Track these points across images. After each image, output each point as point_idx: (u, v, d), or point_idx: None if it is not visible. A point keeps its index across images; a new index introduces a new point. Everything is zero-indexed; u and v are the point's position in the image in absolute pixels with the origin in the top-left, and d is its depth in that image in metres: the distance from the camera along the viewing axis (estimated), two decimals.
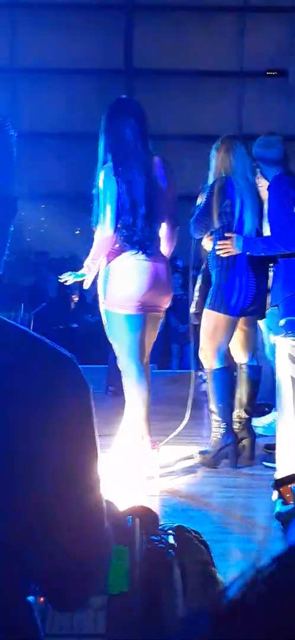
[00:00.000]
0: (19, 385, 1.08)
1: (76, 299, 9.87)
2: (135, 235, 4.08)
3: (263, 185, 4.59)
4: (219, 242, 4.47)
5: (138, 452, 4.17)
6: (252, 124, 10.59)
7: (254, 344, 4.78)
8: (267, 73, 12.07)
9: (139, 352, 4.18)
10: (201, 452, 4.57)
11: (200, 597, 1.51)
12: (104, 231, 4.08)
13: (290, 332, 4.02)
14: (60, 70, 11.90)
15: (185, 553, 1.58)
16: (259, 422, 5.18)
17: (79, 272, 4.28)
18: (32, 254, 11.18)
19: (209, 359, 4.52)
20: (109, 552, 1.31)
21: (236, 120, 11.72)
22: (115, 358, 4.39)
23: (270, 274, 4.68)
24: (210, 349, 4.50)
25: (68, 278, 4.36)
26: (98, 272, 4.22)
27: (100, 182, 4.08)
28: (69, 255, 10.16)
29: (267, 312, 4.73)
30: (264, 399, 5.45)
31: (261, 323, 5.04)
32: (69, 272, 4.39)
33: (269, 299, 4.69)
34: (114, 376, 5.88)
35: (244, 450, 4.60)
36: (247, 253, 4.42)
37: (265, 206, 4.58)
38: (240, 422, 4.59)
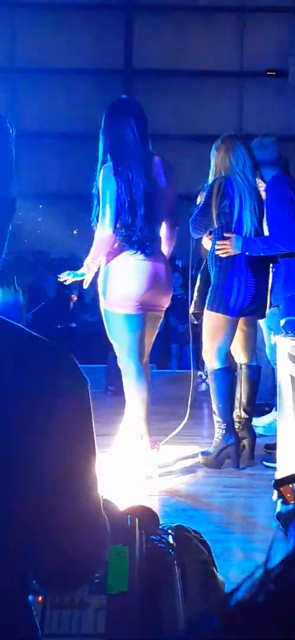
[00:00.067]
0: (19, 385, 1.08)
1: (75, 298, 9.86)
2: (134, 235, 4.08)
3: (262, 185, 4.59)
4: (218, 243, 4.45)
5: (137, 452, 4.16)
6: (252, 124, 10.61)
7: (254, 344, 4.78)
8: (267, 73, 12.08)
9: (139, 352, 4.17)
10: (203, 453, 4.56)
11: (200, 596, 1.51)
12: (104, 231, 4.07)
13: (290, 331, 4.01)
14: (60, 70, 11.91)
15: (185, 553, 1.57)
16: (259, 422, 5.17)
17: (79, 272, 4.28)
18: (30, 254, 11.16)
19: (210, 359, 4.52)
20: (107, 550, 1.30)
21: (236, 120, 11.72)
22: (114, 357, 4.39)
23: (271, 274, 4.68)
24: (211, 349, 4.49)
25: (67, 277, 4.36)
26: (98, 272, 4.22)
27: (100, 182, 4.08)
28: (68, 255, 10.15)
29: (267, 312, 4.72)
30: (264, 399, 5.45)
31: (261, 323, 5.03)
32: (67, 272, 4.39)
33: (269, 299, 4.69)
34: (113, 376, 5.88)
35: (244, 450, 4.59)
36: (247, 253, 4.41)
37: None
38: (240, 422, 4.58)
